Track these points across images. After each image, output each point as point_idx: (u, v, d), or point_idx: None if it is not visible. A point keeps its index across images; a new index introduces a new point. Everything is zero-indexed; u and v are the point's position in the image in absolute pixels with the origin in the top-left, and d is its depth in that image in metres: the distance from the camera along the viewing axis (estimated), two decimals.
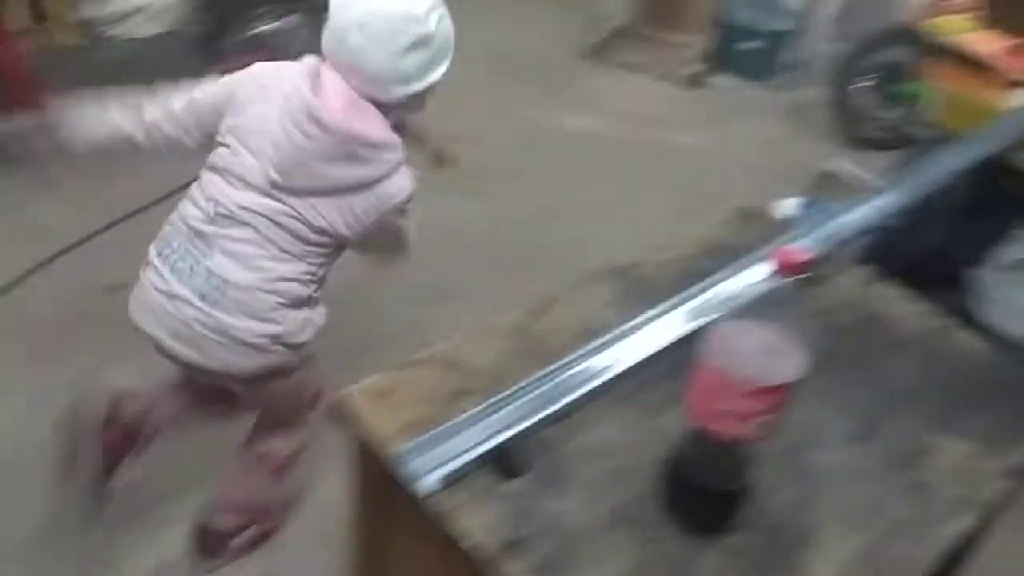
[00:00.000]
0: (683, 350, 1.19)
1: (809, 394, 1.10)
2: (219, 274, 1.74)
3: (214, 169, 1.78)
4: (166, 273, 1.78)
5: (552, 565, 1.10)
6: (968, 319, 2.43)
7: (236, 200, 1.74)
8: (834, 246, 1.67)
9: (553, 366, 1.32)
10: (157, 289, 1.79)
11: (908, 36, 3.70)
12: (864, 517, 1.21)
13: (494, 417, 1.23)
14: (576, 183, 3.77)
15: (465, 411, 1.23)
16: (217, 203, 1.75)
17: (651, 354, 1.37)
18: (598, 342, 1.37)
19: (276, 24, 3.70)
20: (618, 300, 1.51)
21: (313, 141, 1.67)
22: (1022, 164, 2.48)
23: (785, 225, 1.76)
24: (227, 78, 1.81)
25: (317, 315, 1.88)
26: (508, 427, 1.21)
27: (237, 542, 2.16)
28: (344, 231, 1.77)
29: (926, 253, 2.67)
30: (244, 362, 1.80)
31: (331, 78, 1.73)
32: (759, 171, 3.92)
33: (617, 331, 1.39)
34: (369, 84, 1.72)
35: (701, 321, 1.39)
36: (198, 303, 1.74)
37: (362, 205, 1.75)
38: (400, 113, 1.81)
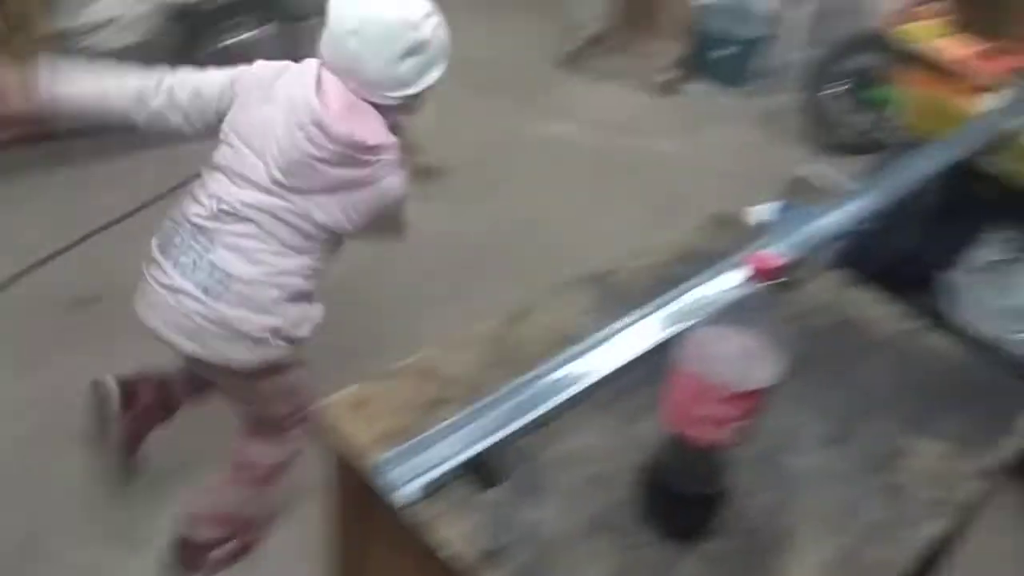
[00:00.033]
0: (659, 356, 1.19)
1: (785, 398, 1.11)
2: (222, 268, 1.77)
3: (217, 167, 1.81)
4: (169, 268, 1.80)
5: (530, 574, 1.09)
6: (941, 321, 2.46)
7: (239, 197, 1.77)
8: (808, 251, 1.68)
9: (530, 374, 1.32)
10: (160, 284, 1.81)
11: (879, 42, 3.73)
12: (840, 520, 1.22)
13: (472, 426, 1.23)
14: (552, 191, 3.78)
15: (443, 420, 1.23)
16: (220, 200, 1.78)
17: (628, 361, 1.37)
18: (575, 350, 1.37)
19: (250, 35, 3.68)
20: (595, 307, 1.52)
21: (316, 145, 1.71)
22: (991, 168, 2.52)
23: (759, 230, 1.77)
24: (231, 73, 1.83)
25: (315, 310, 1.90)
26: (486, 436, 1.21)
27: (217, 555, 2.14)
28: (346, 225, 1.81)
29: (899, 257, 2.69)
30: (244, 356, 1.82)
31: (330, 81, 1.76)
32: (734, 177, 3.94)
33: (594, 338, 1.40)
34: (366, 88, 1.76)
35: (677, 327, 1.39)
36: (201, 297, 1.77)
37: (364, 200, 1.80)
38: (397, 114, 1.85)
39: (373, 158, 1.76)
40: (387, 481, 1.15)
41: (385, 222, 1.92)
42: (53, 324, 2.77)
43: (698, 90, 4.89)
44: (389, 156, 1.79)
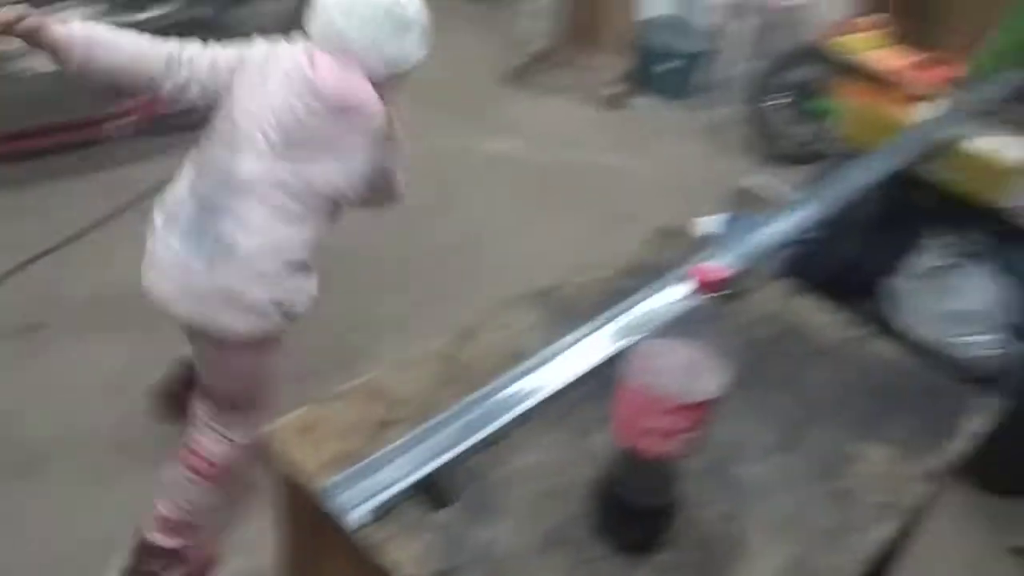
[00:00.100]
0: (608, 370, 1.20)
1: (732, 408, 1.12)
2: (226, 239, 1.82)
3: (217, 141, 1.88)
4: (172, 240, 1.87)
5: None
6: (885, 327, 2.50)
7: (240, 169, 1.83)
8: (753, 261, 1.70)
9: (479, 392, 1.31)
10: (164, 256, 1.88)
11: (818, 54, 3.81)
12: (791, 527, 1.23)
13: (421, 447, 1.22)
14: (498, 207, 3.79)
15: (392, 442, 1.22)
16: (221, 172, 1.84)
17: (577, 376, 1.37)
18: (524, 366, 1.37)
19: None
20: (542, 323, 1.52)
21: (311, 111, 1.81)
22: (929, 176, 2.57)
23: (705, 242, 1.79)
24: (239, 49, 1.90)
25: (311, 284, 1.96)
26: (436, 456, 1.20)
27: None
28: (345, 192, 1.90)
29: (842, 265, 2.73)
30: (242, 326, 1.87)
31: (321, 55, 1.84)
32: (679, 189, 3.98)
33: (542, 355, 1.39)
34: (354, 65, 1.83)
35: (625, 341, 1.40)
36: (205, 267, 1.83)
37: (359, 166, 1.89)
38: (383, 92, 1.90)
39: (366, 121, 1.85)
40: (337, 505, 1.14)
41: (380, 191, 2.01)
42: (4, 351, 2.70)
43: (643, 104, 4.94)
44: (380, 123, 1.88)
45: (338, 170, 1.87)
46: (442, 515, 1.16)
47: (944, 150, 2.51)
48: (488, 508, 1.19)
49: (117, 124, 3.44)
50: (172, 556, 2.10)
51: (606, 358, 1.38)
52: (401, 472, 1.18)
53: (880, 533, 1.24)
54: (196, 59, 1.88)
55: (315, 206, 1.88)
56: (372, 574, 1.13)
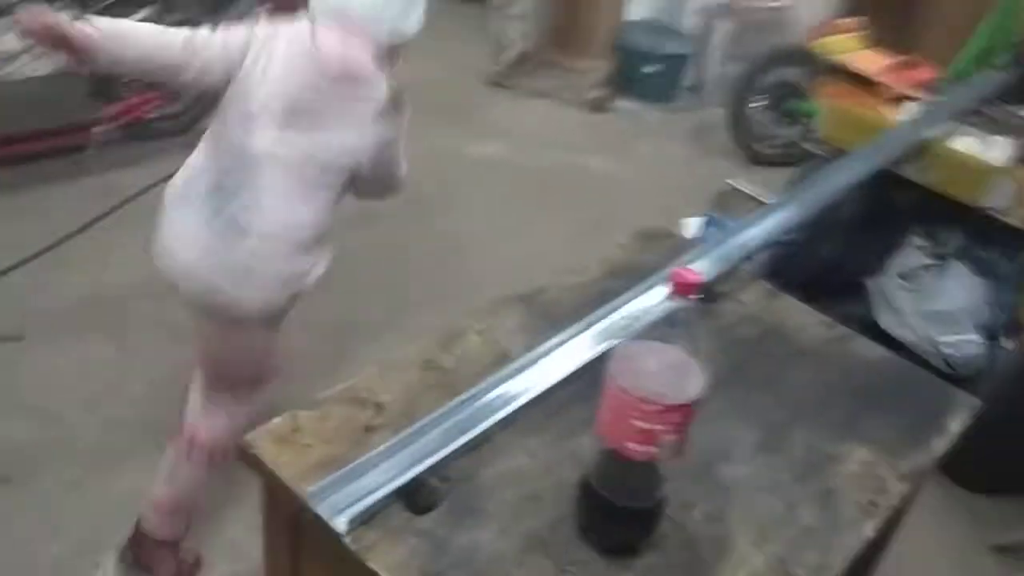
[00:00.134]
0: (592, 373, 1.20)
1: (716, 409, 1.12)
2: (240, 216, 1.83)
3: (229, 120, 1.89)
4: (187, 218, 1.88)
5: None
6: (867, 327, 2.51)
7: (253, 145, 1.84)
8: (735, 262, 1.71)
9: (463, 396, 1.31)
10: (177, 232, 1.89)
11: (799, 56, 3.83)
12: (775, 527, 1.23)
13: (405, 452, 1.21)
14: (483, 210, 3.79)
15: (375, 447, 1.21)
16: (234, 149, 1.85)
17: (560, 379, 1.37)
18: (508, 369, 1.37)
19: None
20: (526, 326, 1.52)
21: (319, 86, 1.84)
22: (910, 176, 2.58)
23: (687, 244, 1.79)
24: (245, 30, 1.90)
25: (322, 261, 1.97)
26: (419, 461, 1.20)
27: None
28: (352, 165, 1.91)
29: (824, 265, 2.75)
30: (254, 302, 1.88)
31: (323, 30, 1.86)
32: (662, 191, 3.99)
33: (525, 358, 1.39)
34: (357, 37, 1.86)
35: (608, 343, 1.40)
36: (220, 244, 1.84)
37: (365, 139, 1.90)
38: (382, 62, 1.92)
39: (371, 91, 1.87)
40: (320, 511, 1.13)
41: (384, 168, 2.01)
42: None
43: (626, 107, 4.95)
44: (382, 95, 1.89)
45: (347, 141, 1.89)
46: (426, 520, 1.16)
47: (925, 151, 2.53)
48: (473, 512, 1.19)
49: (105, 128, 3.43)
50: (164, 548, 2.11)
51: (590, 360, 1.38)
52: (385, 477, 1.17)
53: (863, 532, 1.25)
54: (209, 42, 1.89)
55: (327, 182, 1.89)
56: None
